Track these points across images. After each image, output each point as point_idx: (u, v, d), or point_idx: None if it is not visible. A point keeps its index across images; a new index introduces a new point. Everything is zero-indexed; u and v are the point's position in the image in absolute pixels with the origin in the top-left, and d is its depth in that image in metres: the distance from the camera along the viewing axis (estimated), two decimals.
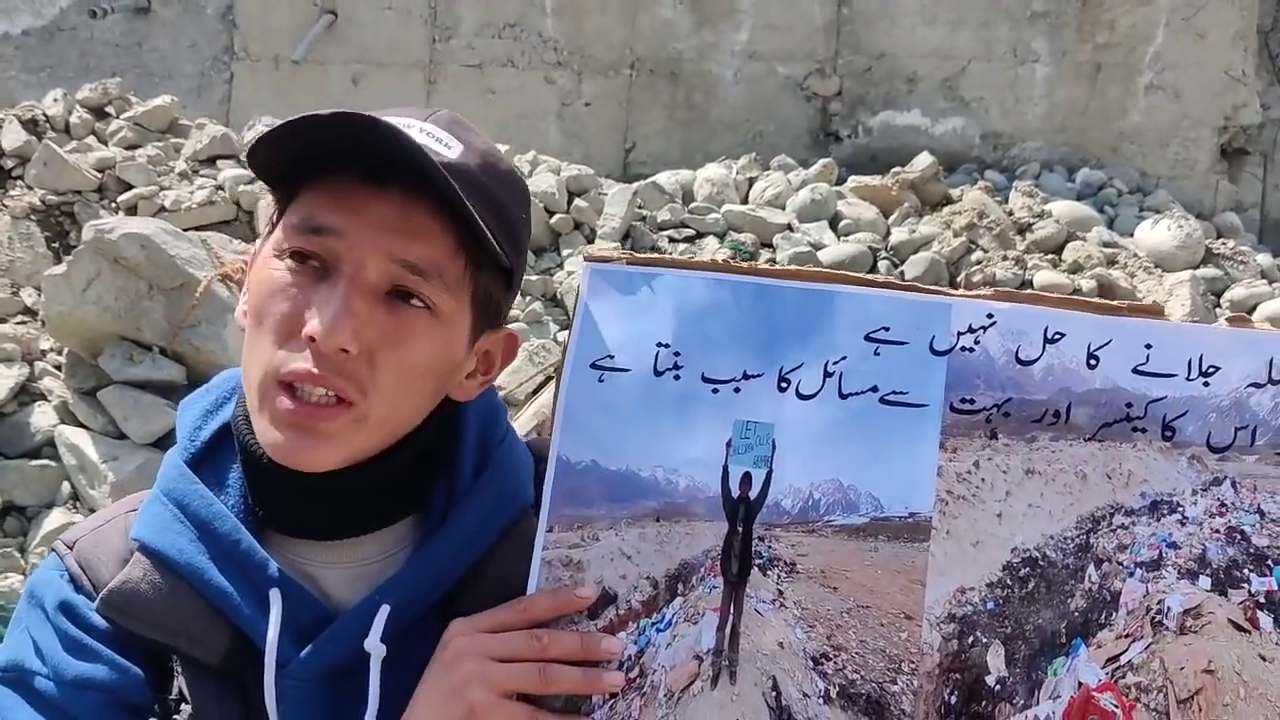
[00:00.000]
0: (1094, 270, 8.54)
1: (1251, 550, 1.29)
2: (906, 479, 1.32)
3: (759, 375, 1.36)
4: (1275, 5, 10.90)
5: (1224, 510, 1.30)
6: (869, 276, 1.40)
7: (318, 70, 11.46)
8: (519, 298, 7.98)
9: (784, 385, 1.36)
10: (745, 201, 9.36)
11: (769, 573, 1.32)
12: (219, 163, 8.89)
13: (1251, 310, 8.24)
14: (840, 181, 9.63)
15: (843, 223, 9.05)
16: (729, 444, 1.35)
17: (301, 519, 1.40)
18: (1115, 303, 1.38)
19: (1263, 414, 1.32)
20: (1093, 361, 1.34)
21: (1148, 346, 1.34)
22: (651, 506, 1.35)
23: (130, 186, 8.57)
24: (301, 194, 1.35)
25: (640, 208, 8.99)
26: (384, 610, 1.35)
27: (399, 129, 1.29)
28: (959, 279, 8.38)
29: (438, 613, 1.37)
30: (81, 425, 6.77)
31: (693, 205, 9.14)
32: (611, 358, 1.39)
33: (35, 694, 1.37)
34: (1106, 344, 1.34)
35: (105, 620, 1.38)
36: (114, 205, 8.47)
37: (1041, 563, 1.31)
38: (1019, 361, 1.34)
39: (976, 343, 1.35)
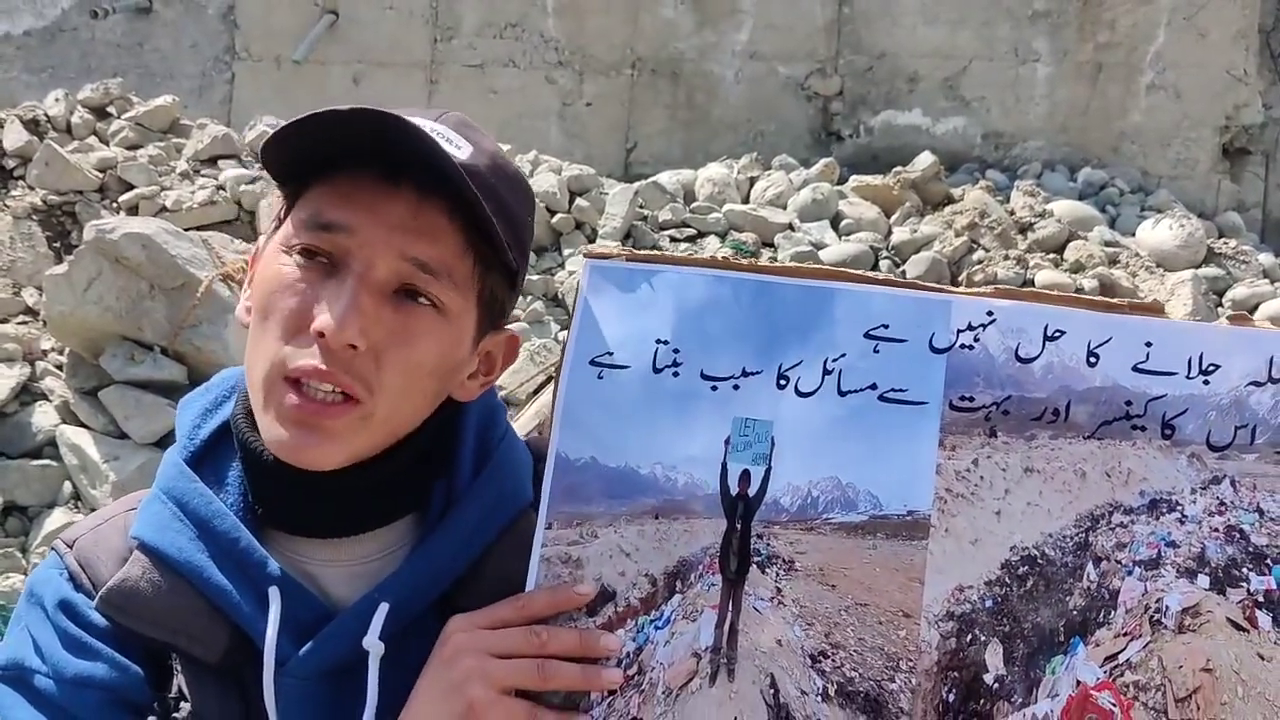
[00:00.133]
0: (1095, 270, 8.53)
1: (1250, 549, 1.29)
2: (905, 477, 1.32)
3: (758, 372, 1.36)
4: (1276, 4, 10.89)
5: (1223, 509, 1.31)
6: (868, 274, 1.40)
7: (319, 70, 11.46)
8: (520, 298, 7.98)
9: (783, 383, 1.36)
10: (746, 201, 9.36)
11: (767, 570, 1.32)
12: (220, 163, 8.88)
13: (1253, 310, 8.24)
14: (842, 181, 9.63)
15: (844, 222, 9.04)
16: (728, 441, 1.35)
17: (301, 517, 1.41)
18: (1115, 300, 1.38)
19: (1262, 412, 1.32)
20: (1092, 359, 1.34)
21: (1148, 344, 1.34)
22: (650, 504, 1.35)
23: (131, 186, 8.57)
24: (311, 190, 1.36)
25: (642, 207, 8.98)
26: (383, 608, 1.35)
27: (419, 127, 1.29)
28: (960, 278, 8.38)
29: (437, 611, 1.37)
30: (83, 425, 6.77)
31: (694, 205, 9.14)
32: (611, 355, 1.39)
33: (35, 692, 1.37)
34: (1106, 342, 1.34)
35: (105, 618, 1.38)
36: (115, 205, 8.47)
37: (1040, 561, 1.31)
38: (1019, 359, 1.34)
39: (976, 340, 1.35)
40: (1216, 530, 1.30)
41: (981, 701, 1.28)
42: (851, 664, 1.29)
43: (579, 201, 8.84)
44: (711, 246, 8.56)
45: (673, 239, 8.72)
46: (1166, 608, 1.28)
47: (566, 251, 8.58)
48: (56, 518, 6.48)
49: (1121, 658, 1.28)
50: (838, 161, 9.92)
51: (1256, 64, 10.54)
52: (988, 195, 9.32)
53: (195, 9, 11.85)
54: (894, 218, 9.17)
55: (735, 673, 1.30)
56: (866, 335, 1.36)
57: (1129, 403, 1.33)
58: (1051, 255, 8.81)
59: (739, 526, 1.33)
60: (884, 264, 8.59)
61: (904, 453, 1.33)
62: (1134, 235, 9.24)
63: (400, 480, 1.41)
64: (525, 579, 1.35)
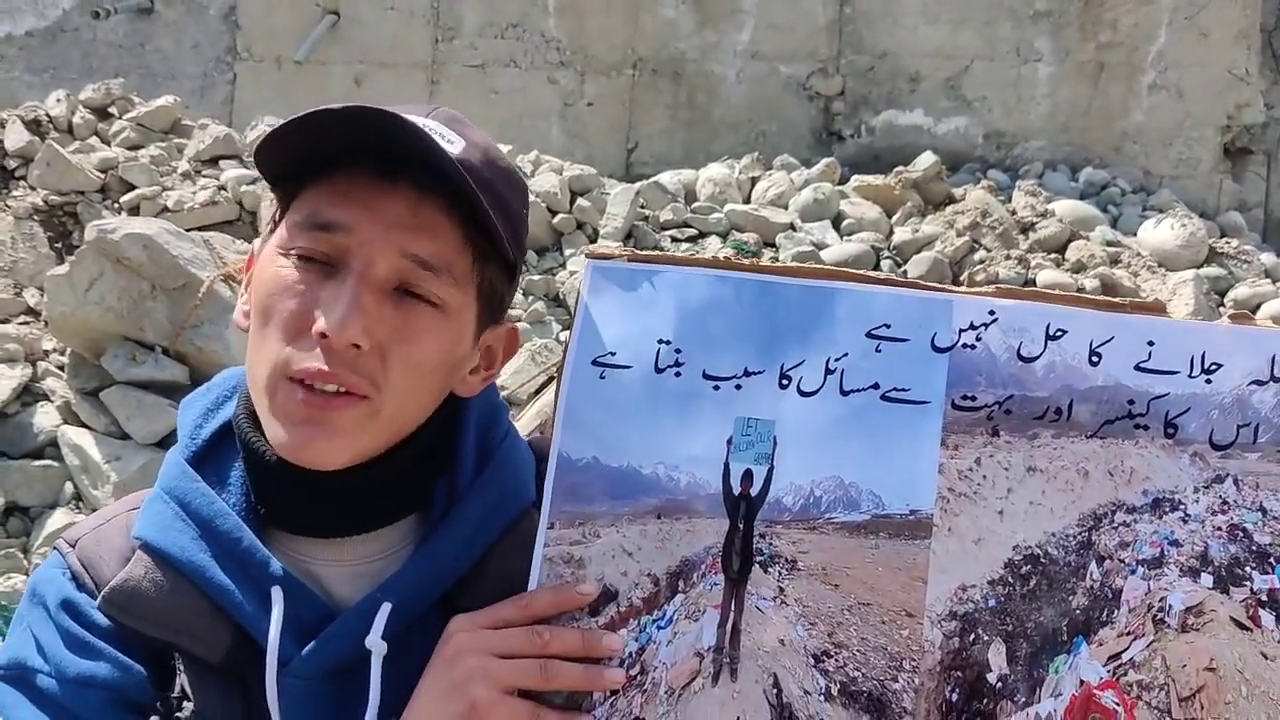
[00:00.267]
0: (1097, 270, 8.53)
1: (1253, 548, 1.30)
2: (908, 476, 1.32)
3: (760, 372, 1.36)
4: (1278, 4, 10.88)
5: (1226, 508, 1.31)
6: (870, 274, 1.40)
7: (320, 71, 11.46)
8: (522, 298, 7.99)
9: (785, 382, 1.36)
10: (748, 201, 9.36)
11: (770, 570, 1.32)
12: (222, 163, 8.89)
13: (1255, 309, 8.23)
14: (843, 181, 9.62)
15: (845, 222, 9.04)
16: (730, 441, 1.35)
17: (304, 517, 1.40)
18: (1117, 300, 1.38)
19: (1265, 411, 1.32)
20: (1095, 358, 1.34)
21: (1150, 343, 1.34)
22: (653, 503, 1.35)
23: (133, 187, 8.57)
24: (306, 191, 1.35)
25: (643, 207, 8.98)
26: (385, 608, 1.35)
27: (416, 124, 1.29)
28: (962, 278, 8.38)
29: (439, 610, 1.37)
30: (84, 425, 6.77)
31: (695, 205, 9.14)
32: (613, 354, 1.38)
33: (37, 692, 1.37)
34: (1109, 341, 1.34)
35: (107, 618, 1.38)
36: (117, 206, 8.47)
37: (1043, 560, 1.31)
38: (1021, 358, 1.34)
39: (978, 339, 1.35)
40: (1219, 529, 1.30)
41: (985, 701, 1.28)
42: (854, 664, 1.29)
43: (580, 201, 8.84)
44: (713, 247, 8.56)
45: (674, 239, 8.72)
46: (1170, 607, 1.28)
47: (568, 252, 8.59)
48: (58, 518, 6.48)
49: (1125, 657, 1.28)
50: (839, 161, 9.92)
51: (1258, 63, 10.53)
52: (989, 195, 9.32)
53: (197, 9, 11.86)
54: (895, 218, 9.16)
55: (738, 673, 1.30)
56: (869, 335, 1.36)
57: (1131, 402, 1.33)
58: (1053, 255, 8.81)
59: (741, 526, 1.33)
60: (885, 264, 8.59)
61: (906, 452, 1.33)
62: (1136, 235, 9.24)
63: (402, 480, 1.41)
64: (527, 578, 1.35)
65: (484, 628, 1.31)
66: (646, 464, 1.36)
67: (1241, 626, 1.28)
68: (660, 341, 1.38)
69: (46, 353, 7.32)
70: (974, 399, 1.34)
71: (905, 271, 8.35)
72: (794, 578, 1.32)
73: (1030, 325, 1.35)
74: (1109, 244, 8.97)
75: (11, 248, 8.24)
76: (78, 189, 8.55)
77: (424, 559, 1.39)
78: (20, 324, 7.62)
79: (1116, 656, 1.28)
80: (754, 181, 9.57)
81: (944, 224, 8.98)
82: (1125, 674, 1.27)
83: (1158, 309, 1.37)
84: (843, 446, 1.34)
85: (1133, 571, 1.30)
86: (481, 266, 1.38)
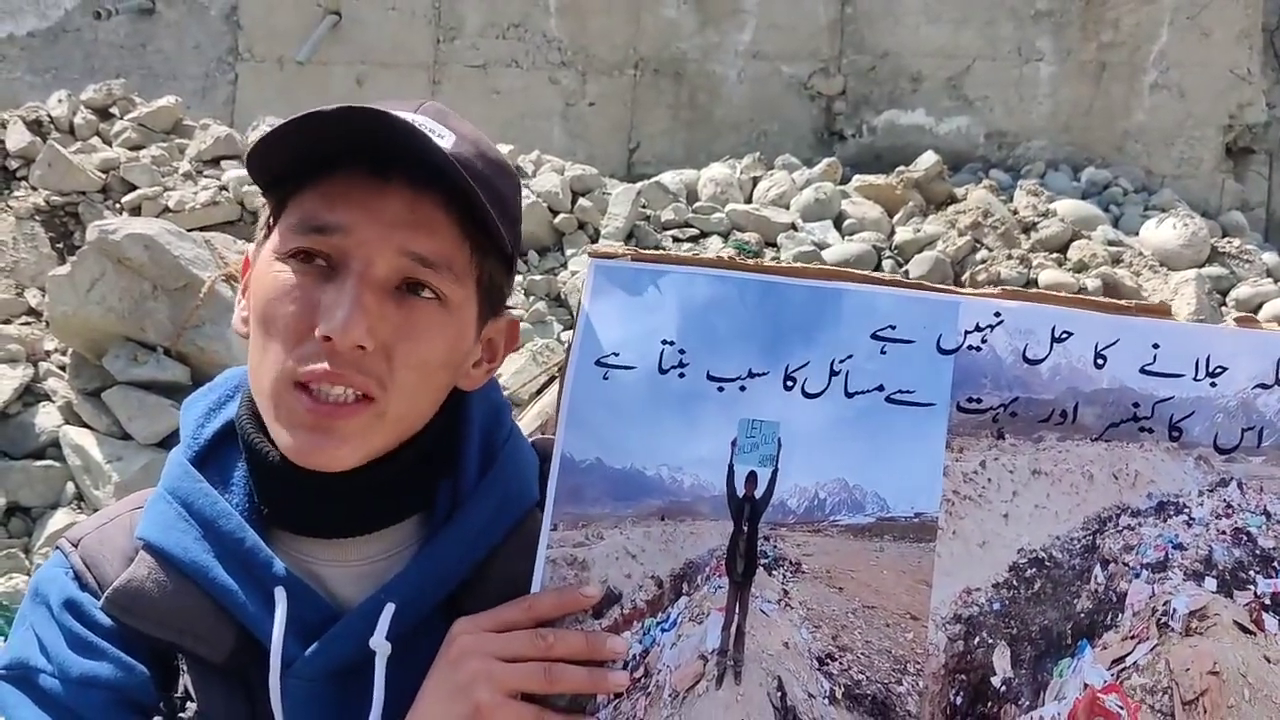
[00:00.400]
0: (1099, 269, 8.53)
1: (1257, 552, 1.29)
2: (913, 479, 1.32)
3: (764, 373, 1.36)
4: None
5: (1230, 511, 1.30)
6: (875, 274, 1.40)
7: (322, 71, 11.46)
8: (523, 298, 7.99)
9: (790, 384, 1.35)
10: (749, 201, 9.36)
11: (774, 572, 1.32)
12: (223, 163, 8.90)
13: (1257, 309, 8.23)
14: (844, 181, 9.63)
15: (847, 222, 9.04)
16: (734, 443, 1.34)
17: (308, 518, 1.40)
18: (1123, 302, 1.38)
19: (1269, 415, 1.32)
20: (1100, 361, 1.33)
21: (1155, 346, 1.33)
22: (656, 505, 1.35)
23: (134, 187, 8.58)
24: (299, 195, 1.35)
25: (644, 207, 8.98)
26: (389, 609, 1.35)
27: (409, 122, 1.29)
28: (964, 278, 8.38)
29: (443, 611, 1.37)
30: (86, 426, 6.77)
31: (697, 205, 9.14)
32: (616, 355, 1.38)
33: (40, 691, 1.37)
34: (1114, 344, 1.34)
35: (110, 619, 1.38)
36: (118, 206, 8.48)
37: (1048, 564, 1.30)
38: (1026, 361, 1.34)
39: (984, 342, 1.34)
40: (1223, 533, 1.30)
41: (989, 704, 1.28)
42: (859, 667, 1.29)
43: (582, 202, 8.84)
44: (714, 246, 8.56)
45: (675, 239, 8.72)
46: (1174, 610, 1.28)
47: (569, 252, 8.59)
48: (59, 518, 6.49)
49: (1129, 660, 1.27)
50: (841, 161, 9.92)
51: (1260, 63, 10.53)
52: (991, 195, 9.32)
53: (198, 10, 11.86)
54: (897, 217, 9.16)
55: (742, 675, 1.30)
56: (874, 336, 1.35)
57: (1136, 405, 1.33)
58: (1055, 255, 8.81)
59: (746, 528, 1.33)
60: (887, 264, 8.59)
61: (911, 454, 1.32)
62: (1137, 235, 9.24)
63: (406, 480, 1.41)
64: (531, 580, 1.35)
65: (487, 630, 1.31)
66: (650, 465, 1.36)
67: (1245, 630, 1.27)
68: (664, 342, 1.38)
69: (48, 353, 7.32)
70: (979, 401, 1.33)
71: (907, 271, 8.34)
72: (798, 580, 1.32)
73: (1036, 327, 1.35)
74: (1111, 244, 8.97)
75: (13, 248, 8.24)
76: (79, 189, 8.56)
77: (428, 560, 1.39)
78: (22, 324, 7.62)
79: (1120, 660, 1.28)
80: (755, 181, 9.57)
81: (946, 224, 8.98)
82: (1129, 677, 1.27)
83: (1162, 311, 1.37)
84: (847, 448, 1.33)
85: (1137, 575, 1.29)
86: (480, 260, 1.38)
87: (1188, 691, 1.26)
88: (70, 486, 6.69)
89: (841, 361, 1.35)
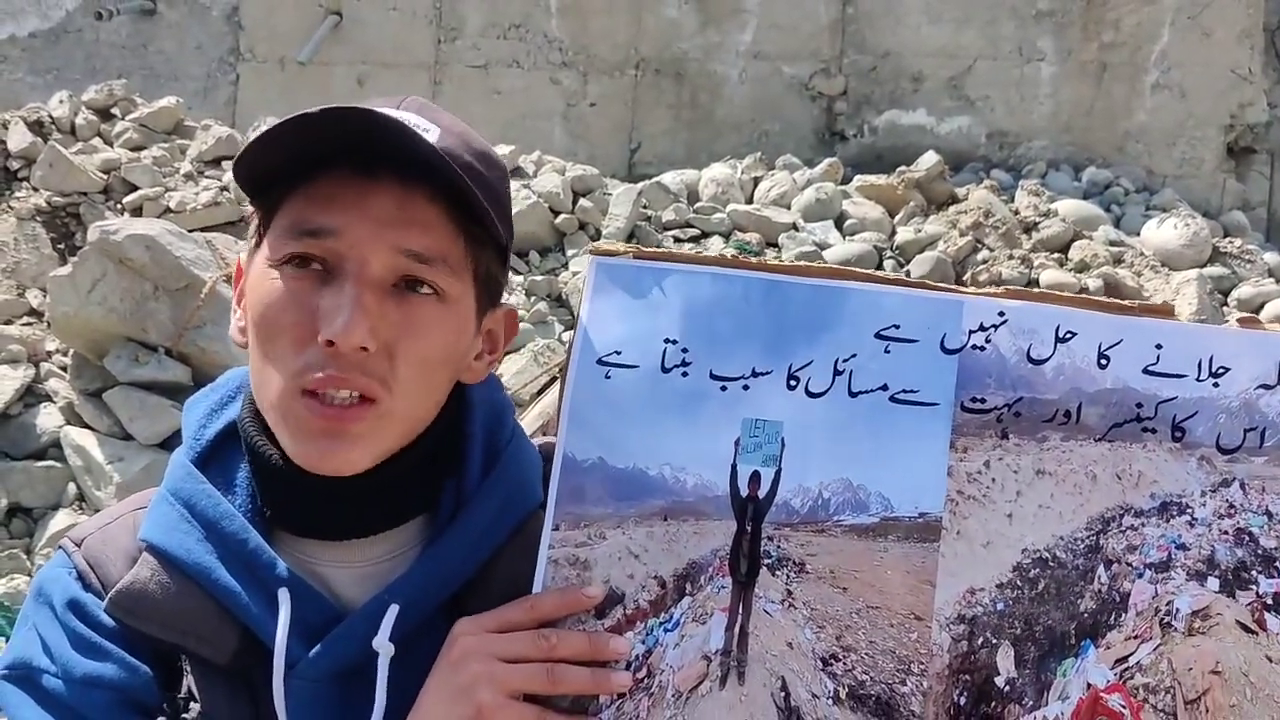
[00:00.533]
0: (1100, 269, 8.53)
1: (1259, 552, 1.30)
2: (916, 479, 1.32)
3: (768, 373, 1.36)
4: None
5: (1232, 512, 1.31)
6: (879, 274, 1.40)
7: (323, 71, 11.46)
8: (524, 298, 7.99)
9: (793, 383, 1.35)
10: (750, 201, 9.36)
11: (778, 573, 1.32)
12: (224, 164, 8.88)
13: (1259, 309, 8.22)
14: (846, 181, 9.62)
15: (848, 222, 9.03)
16: (737, 442, 1.34)
17: (311, 520, 1.40)
18: (1126, 302, 1.38)
19: (1272, 415, 1.32)
20: (1103, 361, 1.33)
21: (1158, 347, 1.34)
22: (659, 505, 1.34)
23: (136, 188, 8.57)
24: (288, 200, 1.34)
25: (645, 208, 8.98)
26: (393, 610, 1.35)
27: (394, 118, 1.28)
28: (965, 278, 8.37)
29: (446, 612, 1.37)
30: (87, 426, 6.77)
31: (698, 205, 9.13)
32: (618, 354, 1.38)
33: (43, 692, 1.37)
34: (1117, 344, 1.34)
35: (113, 620, 1.38)
36: (119, 207, 8.47)
37: (1051, 564, 1.30)
38: (1030, 360, 1.34)
39: (988, 341, 1.34)
40: (1226, 533, 1.30)
41: (993, 704, 1.28)
42: (863, 667, 1.29)
43: (583, 202, 8.84)
44: (715, 247, 8.55)
45: (676, 239, 8.71)
46: (1177, 610, 1.28)
47: (570, 252, 8.58)
48: (61, 519, 6.48)
49: (1132, 660, 1.27)
50: (842, 161, 9.91)
51: (1261, 63, 10.53)
52: (992, 195, 9.31)
53: (199, 10, 11.86)
54: (898, 218, 9.16)
55: (746, 676, 1.30)
56: (877, 335, 1.35)
57: (1140, 405, 1.33)
58: (1056, 255, 8.81)
59: (749, 528, 1.33)
60: (888, 264, 8.58)
61: (915, 454, 1.32)
62: (1139, 235, 9.23)
63: (410, 482, 1.41)
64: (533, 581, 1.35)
65: (489, 631, 1.31)
66: (653, 465, 1.35)
67: (1247, 630, 1.28)
68: (666, 341, 1.37)
69: (49, 354, 7.32)
70: (983, 401, 1.33)
71: (908, 272, 8.34)
72: (802, 580, 1.32)
73: (1040, 327, 1.35)
74: (1112, 244, 8.96)
75: (14, 249, 8.24)
76: (80, 190, 8.55)
77: (431, 561, 1.39)
78: (23, 325, 7.62)
79: (1123, 660, 1.28)
80: (756, 181, 9.56)
81: (947, 224, 8.98)
82: (1132, 677, 1.27)
83: (1165, 311, 1.37)
84: (851, 448, 1.33)
85: (1140, 575, 1.29)
86: (475, 252, 1.37)
87: (1190, 691, 1.26)
88: (71, 487, 6.68)
89: (845, 361, 1.35)
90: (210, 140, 9.04)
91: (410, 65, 11.38)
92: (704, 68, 11.10)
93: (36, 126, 9.12)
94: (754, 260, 1.42)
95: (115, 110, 9.42)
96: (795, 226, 8.93)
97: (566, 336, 7.44)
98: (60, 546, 1.46)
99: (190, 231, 7.25)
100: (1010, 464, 1.32)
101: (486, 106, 10.89)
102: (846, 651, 1.30)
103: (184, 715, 1.35)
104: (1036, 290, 1.40)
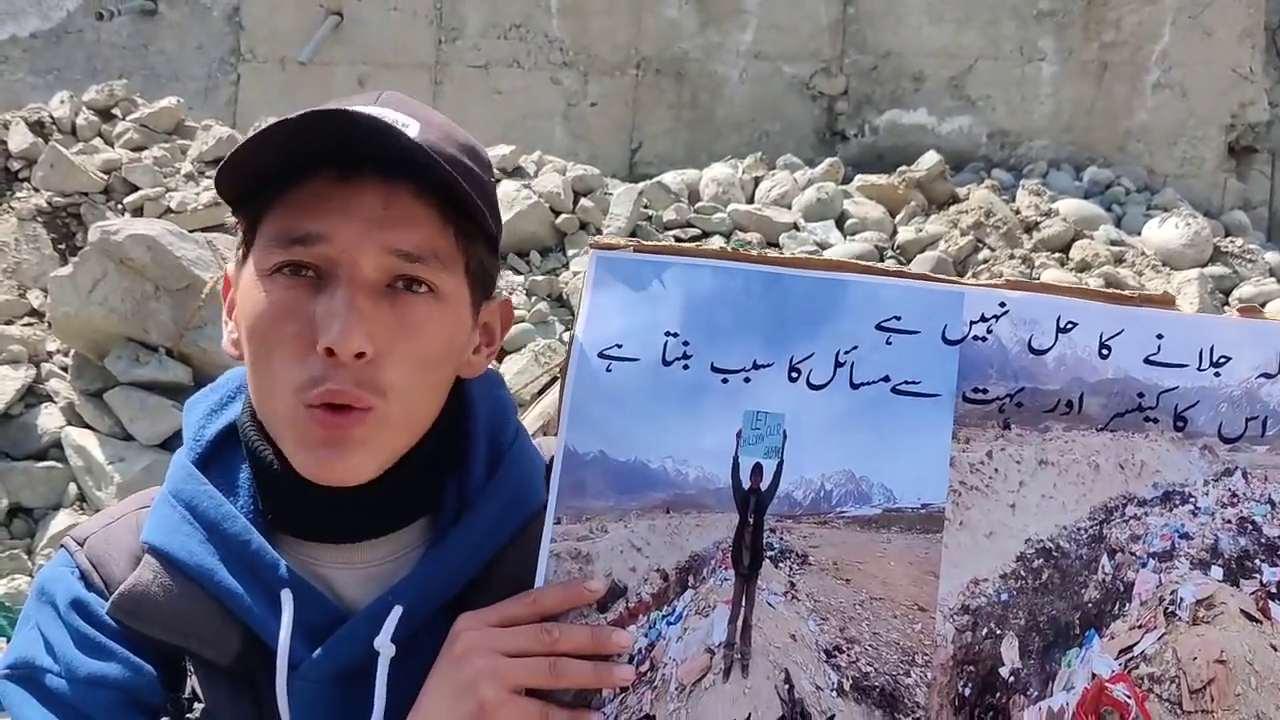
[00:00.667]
0: (1101, 268, 8.53)
1: (1263, 540, 1.30)
2: (919, 470, 1.32)
3: (769, 365, 1.35)
4: None
5: (1235, 500, 1.31)
6: (879, 265, 1.40)
7: (324, 71, 11.46)
8: (525, 298, 7.99)
9: (794, 375, 1.35)
10: (751, 201, 9.36)
11: (781, 565, 1.32)
12: None
13: (1260, 308, 8.21)
14: (846, 181, 9.62)
15: (849, 222, 9.04)
16: (739, 435, 1.34)
17: (315, 525, 1.39)
18: (1126, 293, 1.38)
19: (1273, 404, 1.32)
20: (1105, 351, 1.33)
21: (1159, 337, 1.34)
22: (661, 498, 1.34)
23: (136, 188, 8.58)
24: (272, 209, 1.33)
25: (646, 207, 8.98)
26: (396, 611, 1.34)
27: (373, 115, 1.27)
28: (966, 278, 8.37)
29: (448, 612, 1.36)
30: (88, 426, 6.78)
31: (698, 205, 9.14)
32: (619, 347, 1.37)
33: (46, 691, 1.36)
34: (1118, 334, 1.34)
35: (116, 622, 1.37)
36: (120, 207, 8.48)
37: (1055, 553, 1.30)
38: (1032, 350, 1.34)
39: (989, 332, 1.34)
40: (1229, 522, 1.30)
41: (997, 695, 1.28)
42: (866, 658, 1.29)
43: (583, 202, 8.84)
44: (716, 246, 8.55)
45: (677, 239, 8.71)
46: (1181, 599, 1.28)
47: (571, 252, 8.59)
48: (62, 519, 6.49)
49: (1136, 650, 1.27)
50: (843, 161, 9.91)
51: (1263, 62, 10.53)
52: (993, 194, 9.31)
53: (200, 11, 11.86)
54: (899, 217, 9.16)
55: (749, 668, 1.30)
56: (878, 327, 1.35)
57: (1141, 395, 1.33)
58: (1057, 254, 8.81)
59: (751, 520, 1.32)
60: (889, 264, 8.57)
61: (917, 445, 1.32)
62: (1140, 234, 9.23)
63: (412, 485, 1.40)
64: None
65: (491, 625, 1.30)
66: (654, 458, 1.35)
67: (1251, 618, 1.28)
68: (667, 334, 1.37)
69: (50, 354, 7.33)
70: (985, 391, 1.33)
71: None
72: (805, 572, 1.31)
73: (1041, 317, 1.34)
74: (1113, 243, 8.96)
75: (15, 249, 8.25)
76: (81, 190, 8.56)
77: (434, 563, 1.38)
78: (24, 325, 7.62)
79: (1128, 649, 1.28)
80: (757, 181, 9.57)
81: (948, 223, 8.98)
82: (1137, 667, 1.27)
83: (1166, 302, 1.37)
84: (853, 440, 1.33)
85: (1144, 564, 1.29)
86: (465, 245, 1.36)
87: (1195, 680, 1.26)
88: (72, 487, 6.69)
89: (846, 353, 1.35)
90: (211, 140, 9.05)
91: (411, 65, 11.38)
92: (705, 68, 11.10)
93: (37, 127, 9.12)
94: (754, 253, 1.42)
95: (116, 110, 9.43)
96: (796, 226, 8.93)
97: (567, 336, 7.43)
98: (62, 546, 1.45)
99: (191, 232, 7.26)
100: (1013, 454, 1.32)
101: (487, 106, 10.89)
102: (850, 643, 1.29)
103: (188, 715, 1.35)
104: (1037, 282, 1.39)
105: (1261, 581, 1.28)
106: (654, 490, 1.34)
